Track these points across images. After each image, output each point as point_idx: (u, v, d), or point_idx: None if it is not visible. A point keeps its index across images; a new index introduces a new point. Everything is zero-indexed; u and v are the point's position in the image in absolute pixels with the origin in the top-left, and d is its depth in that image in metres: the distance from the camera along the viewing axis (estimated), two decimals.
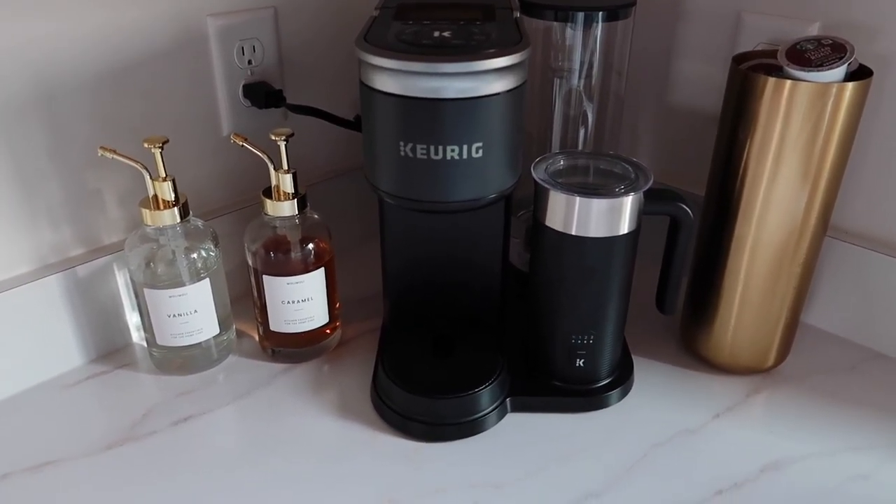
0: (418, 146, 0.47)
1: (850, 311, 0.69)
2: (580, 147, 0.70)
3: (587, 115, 0.68)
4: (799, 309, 0.63)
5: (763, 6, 0.67)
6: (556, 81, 0.67)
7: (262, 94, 0.69)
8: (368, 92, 0.48)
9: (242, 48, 0.69)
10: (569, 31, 0.64)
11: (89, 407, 0.61)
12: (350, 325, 0.72)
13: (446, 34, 0.49)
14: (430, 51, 0.46)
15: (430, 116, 0.46)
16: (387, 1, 0.60)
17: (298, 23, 0.73)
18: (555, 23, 0.63)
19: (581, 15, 0.62)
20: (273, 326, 0.64)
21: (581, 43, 0.64)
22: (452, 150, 0.47)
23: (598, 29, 0.63)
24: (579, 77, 0.66)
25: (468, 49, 0.46)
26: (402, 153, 0.48)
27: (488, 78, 0.46)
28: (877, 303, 0.67)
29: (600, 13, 0.62)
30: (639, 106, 0.80)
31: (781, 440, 0.58)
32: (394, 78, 0.46)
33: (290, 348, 0.66)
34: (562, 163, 0.58)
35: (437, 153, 0.47)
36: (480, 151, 0.48)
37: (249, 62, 0.70)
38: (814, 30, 0.64)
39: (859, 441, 0.58)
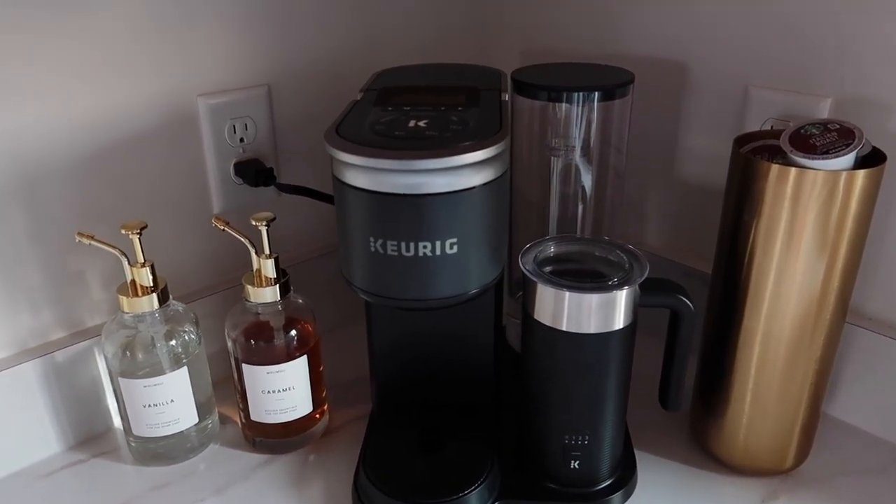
0: (388, 242, 0.44)
1: (879, 405, 0.63)
2: (579, 224, 0.67)
3: (586, 192, 0.65)
4: (818, 405, 0.58)
5: (771, 81, 0.63)
6: (554, 159, 0.64)
7: (252, 173, 0.68)
8: (338, 185, 0.46)
9: (234, 126, 0.68)
10: (564, 109, 0.61)
11: (61, 501, 0.59)
12: (339, 410, 0.68)
13: (422, 123, 0.46)
14: (402, 144, 0.44)
15: (400, 212, 0.43)
16: (373, 82, 0.59)
17: (292, 99, 0.72)
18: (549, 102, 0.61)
19: (575, 95, 0.59)
20: (254, 416, 0.61)
21: (577, 121, 0.61)
22: (425, 247, 0.44)
23: (595, 108, 0.61)
24: (576, 155, 0.63)
25: (442, 141, 0.44)
26: (373, 249, 0.45)
27: (463, 172, 0.43)
28: None
29: (596, 93, 0.59)
30: (644, 180, 0.77)
31: None
32: (362, 173, 0.43)
33: (272, 438, 0.63)
34: (552, 249, 0.55)
35: (408, 250, 0.44)
36: (455, 247, 0.45)
37: (241, 140, 0.69)
38: (825, 106, 0.60)
39: None
